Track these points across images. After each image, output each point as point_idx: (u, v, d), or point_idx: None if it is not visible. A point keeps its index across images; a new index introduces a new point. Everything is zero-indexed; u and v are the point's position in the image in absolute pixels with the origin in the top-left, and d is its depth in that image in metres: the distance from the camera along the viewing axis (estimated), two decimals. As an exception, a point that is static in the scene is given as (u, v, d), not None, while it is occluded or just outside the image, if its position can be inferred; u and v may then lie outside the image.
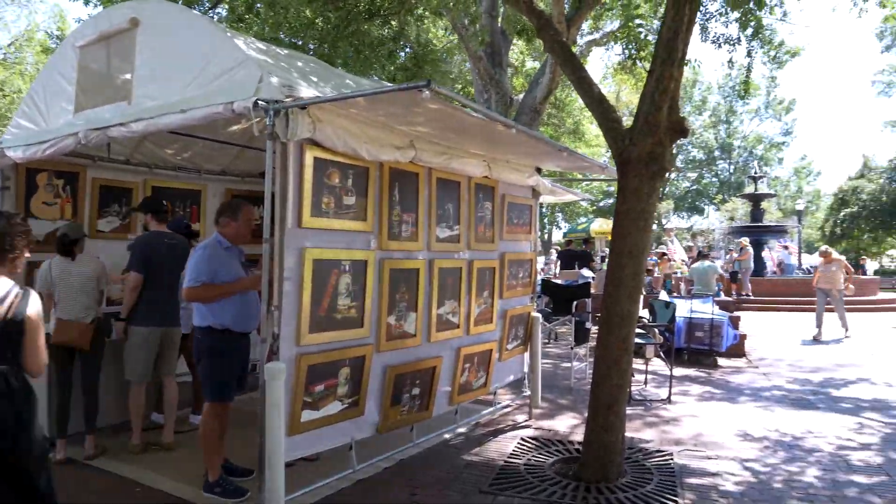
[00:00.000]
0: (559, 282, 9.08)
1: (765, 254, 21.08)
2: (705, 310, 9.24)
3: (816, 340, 11.24)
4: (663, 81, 4.19)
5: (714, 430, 5.82)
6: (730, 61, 10.84)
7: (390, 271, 4.10)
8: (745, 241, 16.91)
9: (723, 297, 12.44)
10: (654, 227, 42.89)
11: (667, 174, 4.42)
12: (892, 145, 65.06)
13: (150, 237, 4.86)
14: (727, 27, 8.50)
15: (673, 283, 13.55)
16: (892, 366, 9.01)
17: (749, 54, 9.75)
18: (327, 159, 3.61)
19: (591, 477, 4.42)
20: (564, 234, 22.58)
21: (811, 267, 35.48)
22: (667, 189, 55.85)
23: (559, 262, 16.77)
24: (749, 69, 9.75)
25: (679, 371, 8.61)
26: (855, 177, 37.65)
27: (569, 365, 8.06)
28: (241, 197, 5.79)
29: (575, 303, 7.67)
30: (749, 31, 7.41)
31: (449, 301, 4.72)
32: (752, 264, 16.71)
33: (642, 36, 10.41)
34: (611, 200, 47.27)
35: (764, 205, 47.77)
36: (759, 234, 19.62)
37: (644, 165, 4.30)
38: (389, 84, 6.15)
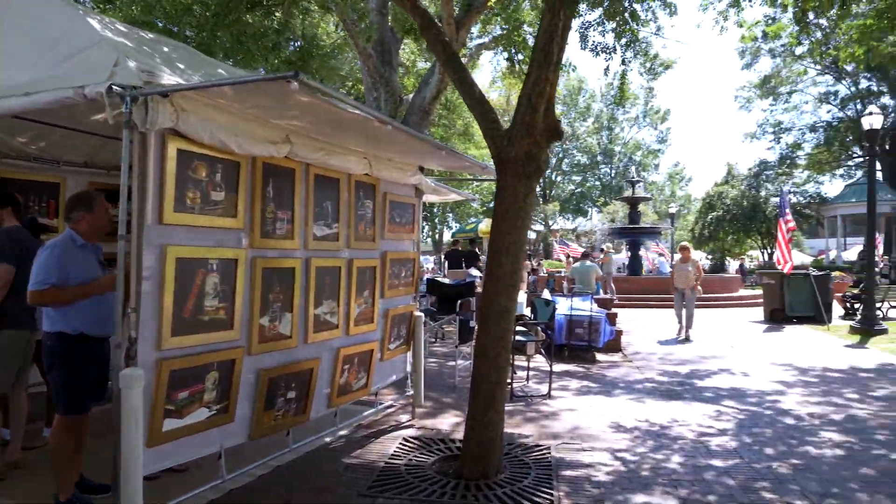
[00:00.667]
0: (445, 281, 9.15)
1: (641, 253, 22.42)
2: (584, 307, 9.60)
3: (685, 339, 11.64)
4: (539, 84, 4.28)
5: (590, 422, 6.03)
6: (606, 69, 11.31)
7: (263, 270, 3.93)
8: (608, 246, 17.91)
9: (602, 295, 13.02)
10: (542, 227, 44.43)
11: (543, 174, 4.52)
12: (751, 155, 71.10)
13: (17, 230, 4.38)
14: (604, 36, 8.93)
15: (556, 281, 14.03)
16: (749, 357, 9.76)
17: (623, 62, 10.24)
18: (193, 151, 3.39)
19: (470, 474, 4.44)
20: (453, 235, 22.86)
21: None
22: (553, 191, 58.00)
23: (447, 262, 16.95)
24: (624, 77, 10.24)
25: (560, 367, 8.89)
26: (720, 183, 40.65)
27: (454, 363, 8.12)
28: (106, 191, 5.37)
29: (460, 302, 7.73)
30: (624, 41, 7.81)
31: (327, 301, 4.59)
32: (612, 269, 17.63)
33: (525, 41, 10.66)
34: (500, 202, 48.02)
35: (641, 207, 50.73)
36: (635, 235, 20.74)
37: (521, 165, 4.37)
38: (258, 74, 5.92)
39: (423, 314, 6.26)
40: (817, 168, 43.28)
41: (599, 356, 9.81)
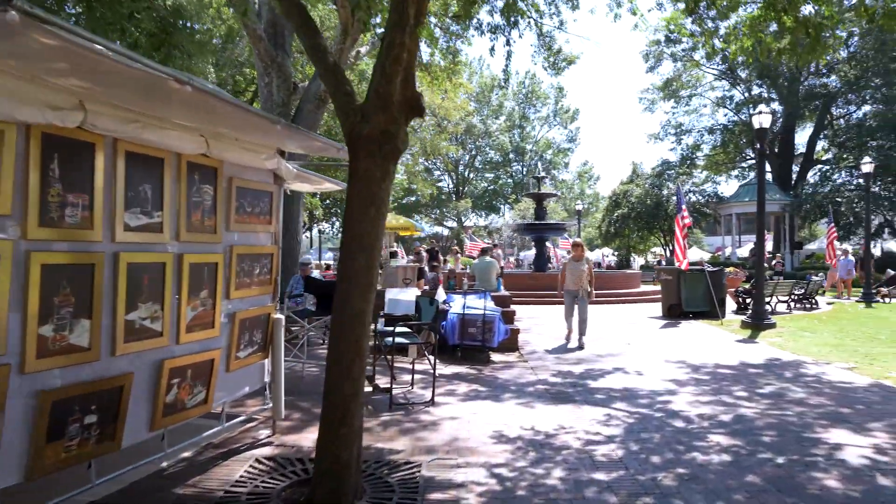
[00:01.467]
0: (322, 278, 8.43)
1: (550, 250, 22.44)
2: (478, 306, 9.13)
3: (578, 346, 10.21)
4: (394, 49, 3.67)
5: (471, 432, 5.51)
6: (492, 49, 10.95)
7: (43, 268, 3.13)
8: (489, 243, 17.85)
9: (503, 291, 12.63)
10: (454, 224, 44.07)
11: (401, 155, 3.92)
12: (656, 155, 73.76)
13: None
14: (493, 16, 8.46)
15: (456, 279, 13.56)
16: (644, 355, 9.58)
17: (508, 43, 9.84)
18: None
19: (322, 500, 3.80)
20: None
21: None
22: (466, 188, 58.01)
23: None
24: (509, 57, 9.83)
25: (451, 369, 8.38)
26: (626, 182, 41.67)
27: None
28: None
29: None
30: (513, 20, 7.37)
31: (146, 304, 3.81)
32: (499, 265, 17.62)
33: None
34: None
35: (552, 205, 51.38)
36: (541, 231, 20.64)
37: (376, 145, 3.76)
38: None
39: (282, 317, 5.54)
40: (714, 169, 45.20)
41: (495, 356, 9.38)
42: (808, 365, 8.64)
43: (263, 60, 13.39)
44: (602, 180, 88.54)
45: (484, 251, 13.02)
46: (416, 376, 7.61)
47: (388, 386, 6.64)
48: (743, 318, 12.74)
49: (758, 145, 12.32)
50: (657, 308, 15.51)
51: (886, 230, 33.25)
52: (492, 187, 58.09)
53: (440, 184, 58.80)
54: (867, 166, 18.48)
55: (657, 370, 8.32)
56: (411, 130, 51.06)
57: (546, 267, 20.57)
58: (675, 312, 13.84)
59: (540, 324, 13.17)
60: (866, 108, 37.59)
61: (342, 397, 3.89)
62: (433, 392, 6.64)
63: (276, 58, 13.26)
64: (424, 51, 20.79)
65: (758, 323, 11.99)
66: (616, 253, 43.20)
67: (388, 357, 6.67)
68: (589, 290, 10.37)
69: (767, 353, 9.68)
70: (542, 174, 22.41)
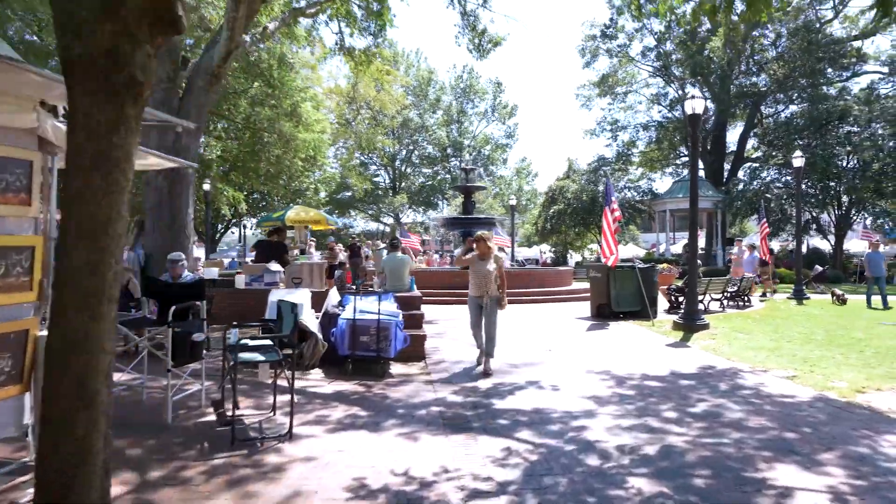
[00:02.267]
0: (166, 279, 6.94)
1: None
2: (373, 309, 7.78)
3: (485, 373, 7.71)
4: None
5: (324, 482, 4.15)
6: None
7: None
8: (376, 243, 16.64)
9: (415, 291, 11.34)
10: (391, 220, 43.00)
11: (147, 92, 2.51)
12: (593, 151, 74.04)
13: None
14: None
15: (366, 276, 12.21)
16: (565, 363, 8.42)
17: None
18: None
19: None
20: (258, 223, 20.34)
21: (525, 259, 37.75)
22: (403, 183, 56.59)
23: (254, 255, 14.60)
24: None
25: (335, 387, 7.01)
26: (562, 178, 41.06)
27: (167, 394, 5.97)
28: None
29: (177, 308, 5.55)
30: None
31: None
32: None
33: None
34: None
35: (490, 201, 50.44)
36: (468, 226, 19.45)
37: (100, 73, 2.35)
38: None
39: (44, 333, 4.05)
40: (649, 166, 45.12)
41: (395, 367, 8.06)
42: (745, 374, 7.63)
43: (145, 29, 11.69)
44: (540, 177, 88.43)
45: (394, 246, 11.67)
46: (279, 399, 6.21)
47: (230, 416, 5.21)
48: (675, 318, 11.79)
49: (690, 132, 11.39)
50: (587, 307, 14.55)
51: (813, 227, 33.55)
52: (429, 183, 56.79)
53: (376, 179, 57.20)
54: (798, 160, 18.00)
55: (577, 384, 7.15)
56: (344, 123, 49.07)
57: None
58: (604, 312, 12.82)
59: (459, 327, 11.91)
60: (794, 107, 38.00)
61: (61, 463, 2.48)
62: (291, 422, 5.23)
63: (159, 26, 11.56)
64: (345, 30, 19.36)
65: (690, 324, 11.05)
66: (553, 249, 42.59)
67: (233, 376, 5.24)
68: (499, 296, 8.03)
69: (700, 359, 8.67)
70: (471, 166, 21.15)
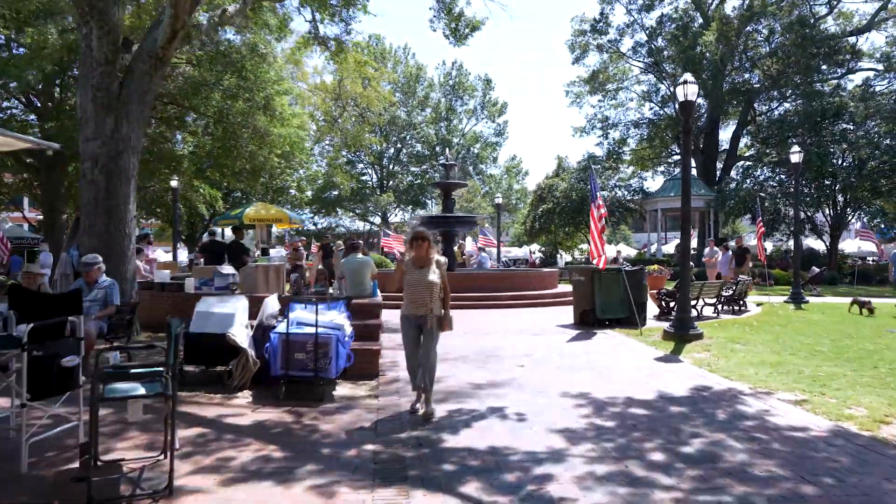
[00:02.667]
0: (81, 285, 5.74)
1: (471, 247, 20.21)
2: (312, 321, 6.62)
3: (426, 417, 5.69)
4: None
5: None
6: None
7: None
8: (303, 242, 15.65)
9: (378, 298, 10.21)
10: (377, 219, 41.66)
11: None
12: (582, 149, 73.01)
13: None
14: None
15: (308, 278, 11.05)
16: (538, 383, 7.25)
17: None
18: None
19: None
20: (215, 221, 19.10)
21: (511, 260, 36.64)
22: (391, 182, 55.40)
23: (203, 257, 13.44)
24: None
25: (258, 415, 5.84)
26: (552, 176, 39.97)
27: (20, 434, 4.80)
28: None
29: (35, 326, 4.38)
30: None
31: None
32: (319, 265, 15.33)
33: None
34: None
35: (479, 200, 49.27)
36: (448, 225, 18.29)
37: None
38: None
39: None
40: (641, 164, 44.11)
41: (341, 388, 6.92)
42: (746, 398, 6.49)
43: (80, 5, 10.53)
44: (531, 176, 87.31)
45: (352, 247, 10.50)
46: (204, 431, 5.04)
47: (93, 465, 4.04)
48: (665, 326, 10.66)
49: (682, 121, 10.26)
50: (572, 313, 13.46)
51: (807, 227, 32.54)
52: (417, 181, 55.59)
53: (364, 178, 56.02)
54: (795, 156, 16.94)
55: (547, 411, 5.99)
56: (330, 121, 47.86)
57: (454, 266, 18.26)
58: (588, 320, 11.69)
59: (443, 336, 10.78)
60: (787, 104, 37.05)
61: None
62: (171, 475, 4.05)
63: (95, 3, 10.38)
64: (318, 17, 18.26)
65: (682, 333, 9.94)
66: (543, 249, 41.42)
67: (94, 412, 4.07)
68: (441, 314, 6.12)
69: (694, 377, 7.54)
70: (451, 162, 19.97)
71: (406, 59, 55.95)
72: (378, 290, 10.56)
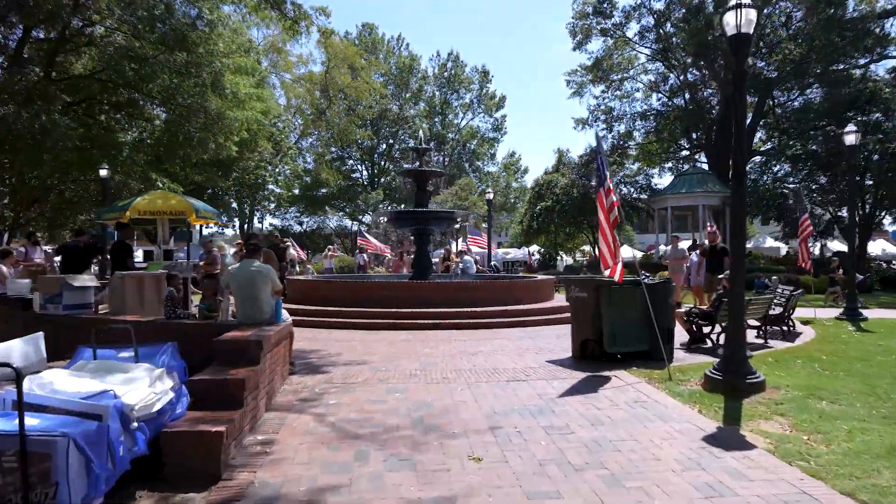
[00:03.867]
0: None
1: (462, 249, 16.72)
2: (79, 389, 3.22)
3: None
4: None
5: None
6: None
7: None
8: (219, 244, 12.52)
9: (284, 320, 6.82)
10: (368, 218, 38.52)
11: None
12: (583, 144, 69.18)
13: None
14: None
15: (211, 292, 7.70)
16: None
17: None
18: None
19: None
20: (100, 216, 15.60)
21: (495, 265, 33.04)
22: (382, 179, 51.99)
23: (61, 262, 10.03)
24: None
25: None
26: (551, 171, 36.55)
27: None
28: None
29: None
30: None
31: None
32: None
33: None
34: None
35: (473, 198, 45.76)
36: (422, 222, 14.86)
37: None
38: None
39: None
40: (648, 160, 40.66)
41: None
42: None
43: None
44: (530, 173, 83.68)
45: (253, 250, 7.09)
46: None
47: None
48: (708, 370, 7.15)
49: (734, 62, 6.82)
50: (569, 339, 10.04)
51: (835, 227, 29.07)
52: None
53: (354, 174, 52.70)
54: (851, 136, 13.40)
55: None
56: (317, 113, 44.42)
57: (428, 272, 14.85)
58: (591, 353, 8.23)
59: (363, 379, 7.34)
60: (810, 92, 33.56)
61: None
62: None
63: None
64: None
65: (735, 381, 6.49)
66: (542, 251, 37.81)
67: None
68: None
69: (777, 480, 4.11)
70: (424, 146, 16.46)
71: (399, 49, 52.63)
72: (283, 313, 7.16)
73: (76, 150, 18.94)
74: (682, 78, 37.39)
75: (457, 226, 20.36)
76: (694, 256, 14.18)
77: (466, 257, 18.34)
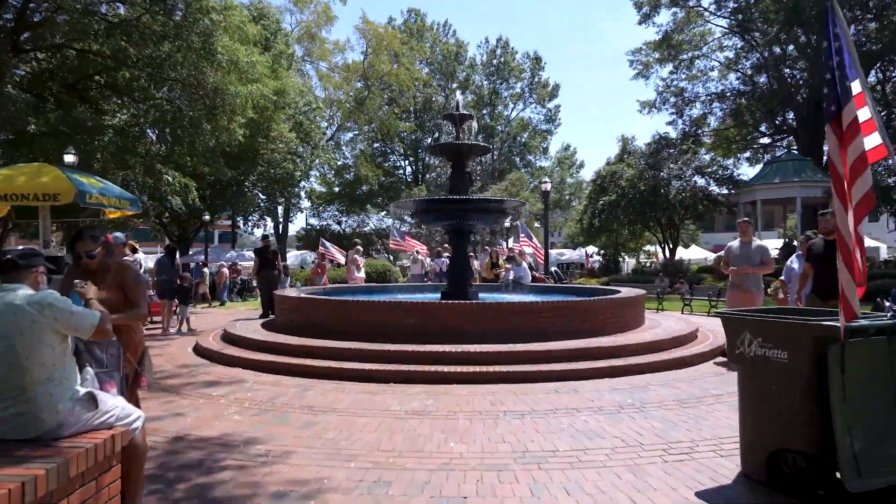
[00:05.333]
0: None
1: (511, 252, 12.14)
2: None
3: None
4: None
5: None
6: None
7: None
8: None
9: (127, 419, 2.84)
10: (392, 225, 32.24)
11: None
12: (647, 130, 62.98)
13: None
14: None
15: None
16: None
17: None
18: None
19: None
20: None
21: (558, 267, 28.32)
22: (428, 175, 48.02)
23: None
24: None
25: None
26: (614, 161, 31.83)
27: None
28: None
29: None
30: None
31: None
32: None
33: None
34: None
35: (525, 194, 41.21)
36: (456, 214, 10.55)
37: None
38: None
39: None
40: (724, 148, 35.44)
41: None
42: None
43: None
44: (586, 168, 78.14)
45: (9, 267, 3.02)
46: None
47: None
48: None
49: None
50: (694, 417, 5.66)
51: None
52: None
53: (398, 171, 48.92)
54: None
55: None
56: (354, 104, 40.64)
57: (467, 286, 10.64)
58: (793, 477, 3.87)
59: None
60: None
61: None
62: None
63: None
64: None
65: None
66: (602, 252, 33.02)
67: None
68: None
69: None
70: (463, 110, 11.94)
71: (446, 37, 48.56)
72: (131, 413, 3.04)
73: (53, 136, 15.64)
74: (766, 54, 32.09)
75: (506, 222, 15.85)
76: (796, 263, 8.50)
77: (523, 263, 14.01)
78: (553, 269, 16.85)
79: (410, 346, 7.51)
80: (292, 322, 9.32)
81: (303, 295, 9.62)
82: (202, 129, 16.07)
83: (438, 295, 11.27)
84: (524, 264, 13.97)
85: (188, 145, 18.53)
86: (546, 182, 22.48)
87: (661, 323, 10.52)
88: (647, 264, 34.59)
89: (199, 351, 9.04)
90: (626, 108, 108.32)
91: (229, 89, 16.30)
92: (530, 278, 13.88)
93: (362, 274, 18.42)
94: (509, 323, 8.21)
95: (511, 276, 13.74)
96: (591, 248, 36.36)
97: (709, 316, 13.92)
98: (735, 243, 8.31)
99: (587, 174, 50.60)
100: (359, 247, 18.21)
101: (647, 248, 37.00)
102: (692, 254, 37.00)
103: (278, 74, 22.33)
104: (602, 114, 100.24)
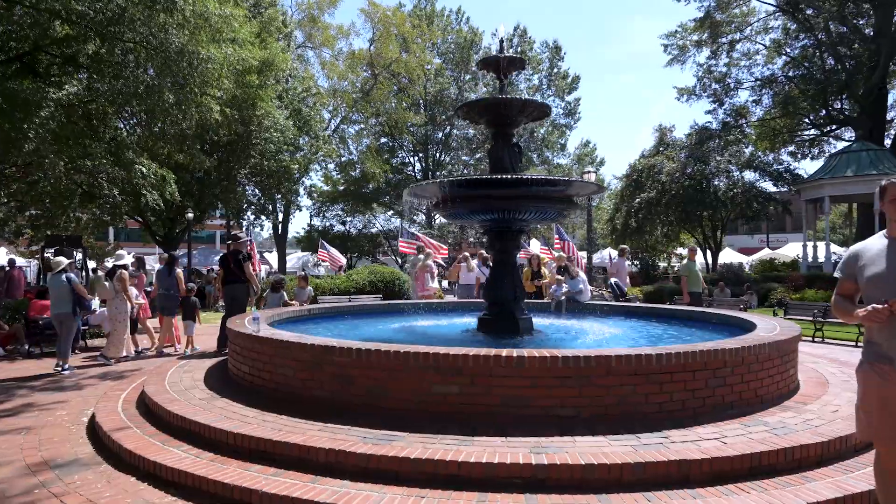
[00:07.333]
0: None
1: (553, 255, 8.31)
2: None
3: None
4: None
5: None
6: None
7: None
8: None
9: None
10: (422, 217, 29.69)
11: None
12: (689, 117, 57.62)
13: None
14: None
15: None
16: None
17: None
18: None
19: None
20: None
21: (617, 283, 24.43)
22: (439, 172, 44.41)
23: None
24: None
25: None
26: (650, 154, 28.06)
27: None
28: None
29: None
30: None
31: None
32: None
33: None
34: None
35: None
36: (506, 203, 6.90)
37: None
38: None
39: None
40: (767, 142, 31.55)
41: None
42: None
43: None
44: (607, 165, 74.13)
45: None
46: None
47: None
48: None
49: None
50: None
51: None
52: (468, 172, 44.36)
53: (407, 168, 45.27)
54: None
55: None
56: (360, 93, 36.91)
57: (519, 314, 7.03)
58: None
59: None
60: None
61: None
62: None
63: None
64: None
65: None
66: (641, 256, 28.75)
67: None
68: None
69: None
70: (507, 51, 8.32)
71: (459, 24, 44.87)
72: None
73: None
74: (821, 36, 28.20)
75: (570, 212, 12.03)
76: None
77: (580, 274, 10.28)
78: (612, 280, 13.07)
79: (449, 447, 3.80)
80: (248, 375, 5.67)
81: (263, 329, 5.83)
82: (164, 101, 12.42)
83: (474, 321, 7.62)
84: (581, 275, 10.26)
85: (160, 129, 14.96)
86: (590, 171, 18.78)
87: (830, 381, 6.36)
88: (675, 268, 30.71)
89: (94, 433, 5.37)
90: (654, 100, 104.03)
91: (199, 52, 12.67)
92: (588, 295, 10.21)
93: (435, 284, 14.47)
94: (615, 393, 4.49)
95: (562, 292, 10.06)
96: (610, 251, 32.49)
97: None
98: (877, 245, 3.25)
99: (607, 171, 46.81)
100: (428, 249, 14.30)
101: (681, 251, 33.20)
102: (728, 256, 33.11)
103: (266, 43, 18.67)
104: (628, 101, 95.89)
